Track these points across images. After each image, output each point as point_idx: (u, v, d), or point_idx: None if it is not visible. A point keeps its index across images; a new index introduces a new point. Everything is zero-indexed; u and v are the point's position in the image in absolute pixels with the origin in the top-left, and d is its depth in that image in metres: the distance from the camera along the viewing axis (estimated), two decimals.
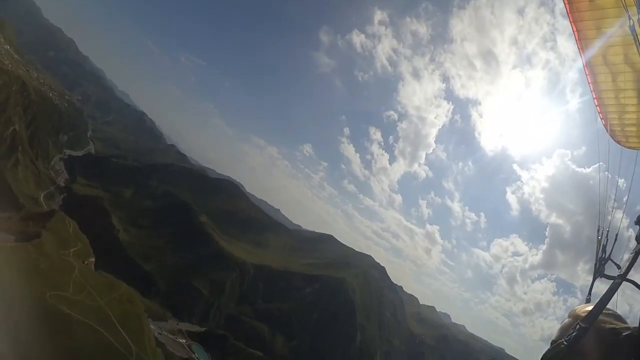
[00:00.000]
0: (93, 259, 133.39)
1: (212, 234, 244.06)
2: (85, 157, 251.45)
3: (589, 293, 5.49)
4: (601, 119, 7.80)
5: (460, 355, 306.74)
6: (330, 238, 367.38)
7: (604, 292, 3.72)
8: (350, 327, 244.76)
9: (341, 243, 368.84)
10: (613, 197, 7.43)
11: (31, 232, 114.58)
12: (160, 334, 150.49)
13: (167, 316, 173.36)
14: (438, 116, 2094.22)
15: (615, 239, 6.21)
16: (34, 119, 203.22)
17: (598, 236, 6.38)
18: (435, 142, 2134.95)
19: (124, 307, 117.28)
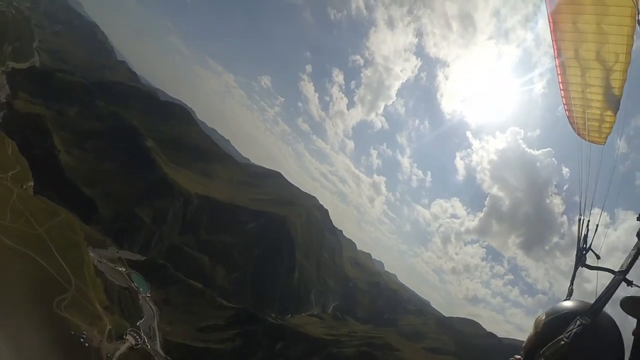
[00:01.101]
0: (32, 184, 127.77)
1: (158, 160, 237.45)
2: (29, 70, 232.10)
3: (571, 283, 5.54)
4: (565, 110, 8.08)
5: (390, 301, 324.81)
6: (278, 175, 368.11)
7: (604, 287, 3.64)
8: (290, 264, 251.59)
9: (288, 181, 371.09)
10: (594, 188, 7.48)
11: None
12: (99, 262, 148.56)
13: (107, 243, 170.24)
14: (404, 70, 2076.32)
15: (596, 230, 6.42)
16: None
17: (579, 227, 6.53)
18: (397, 95, 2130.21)
19: (63, 235, 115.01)
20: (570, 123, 8.41)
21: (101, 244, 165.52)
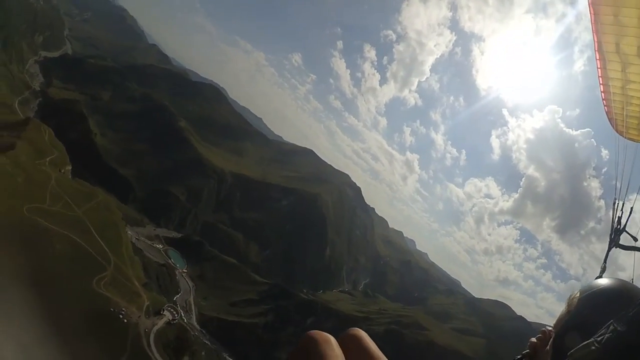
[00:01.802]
0: (70, 167, 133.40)
1: (191, 140, 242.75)
2: (62, 58, 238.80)
3: (604, 261, 5.52)
4: (604, 105, 7.93)
5: (420, 280, 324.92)
6: (310, 152, 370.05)
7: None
8: (321, 241, 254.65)
9: (320, 159, 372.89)
10: (629, 173, 7.51)
11: (6, 143, 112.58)
12: (137, 239, 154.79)
13: (144, 222, 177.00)
14: (438, 45, 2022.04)
15: (630, 212, 6.53)
16: (7, 19, 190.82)
17: (614, 208, 6.63)
18: (431, 71, 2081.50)
19: (102, 216, 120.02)
20: (609, 119, 8.30)
21: (139, 222, 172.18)
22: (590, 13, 6.85)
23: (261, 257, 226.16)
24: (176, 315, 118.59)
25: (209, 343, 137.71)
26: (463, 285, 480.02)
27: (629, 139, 7.95)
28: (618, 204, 6.68)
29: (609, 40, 6.92)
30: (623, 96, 7.41)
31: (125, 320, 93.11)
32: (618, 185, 7.09)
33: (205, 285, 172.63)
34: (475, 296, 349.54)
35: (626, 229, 6.18)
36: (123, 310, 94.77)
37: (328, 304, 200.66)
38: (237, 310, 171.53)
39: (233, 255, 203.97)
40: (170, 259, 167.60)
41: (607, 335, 2.70)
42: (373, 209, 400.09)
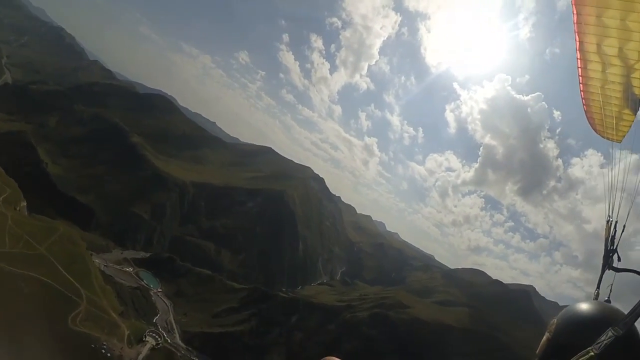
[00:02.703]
0: (25, 203, 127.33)
1: (147, 155, 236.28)
2: (3, 88, 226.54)
3: (598, 287, 5.38)
4: (583, 105, 8.03)
5: (395, 261, 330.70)
6: (269, 150, 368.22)
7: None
8: (293, 237, 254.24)
9: (280, 155, 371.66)
10: (621, 188, 7.48)
11: None
12: (106, 266, 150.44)
13: (110, 247, 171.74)
14: (384, 27, 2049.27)
15: (623, 230, 6.35)
16: None
17: (607, 228, 6.47)
18: (379, 53, 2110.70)
19: (65, 249, 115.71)
20: (587, 118, 8.36)
21: (104, 248, 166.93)
22: (573, 13, 6.94)
23: (235, 264, 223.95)
24: (159, 339, 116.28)
25: (197, 359, 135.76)
26: (437, 259, 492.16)
27: (607, 138, 8.01)
28: (611, 222, 6.39)
29: (590, 40, 7.01)
30: (602, 96, 7.46)
31: (109, 355, 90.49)
32: (611, 203, 6.81)
33: (183, 301, 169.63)
34: (451, 267, 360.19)
35: (617, 249, 5.89)
36: (104, 345, 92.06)
37: (309, 299, 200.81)
38: (220, 321, 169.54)
39: (206, 266, 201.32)
40: (143, 281, 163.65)
41: (605, 341, 2.95)
42: (339, 197, 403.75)
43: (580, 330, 3.16)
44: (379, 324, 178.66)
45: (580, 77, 7.59)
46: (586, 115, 8.22)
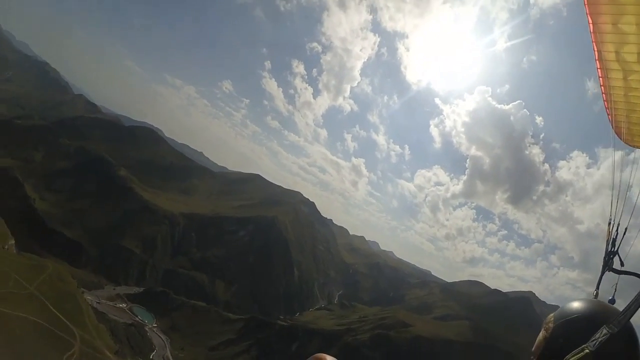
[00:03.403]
0: (13, 241, 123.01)
1: (135, 188, 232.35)
2: None
3: (597, 287, 5.05)
4: (608, 114, 7.58)
5: (392, 279, 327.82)
6: (257, 177, 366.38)
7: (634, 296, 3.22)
8: (287, 263, 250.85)
9: (269, 181, 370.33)
10: (623, 190, 7.01)
11: None
12: (98, 303, 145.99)
13: (102, 283, 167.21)
14: (364, 49, 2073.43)
15: (625, 233, 5.94)
16: None
17: (609, 230, 6.01)
18: (361, 75, 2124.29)
19: (56, 288, 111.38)
20: (613, 128, 7.85)
21: (96, 284, 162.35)
22: (589, 23, 6.67)
23: (230, 294, 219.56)
24: None
25: None
26: (434, 274, 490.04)
27: (634, 146, 7.68)
28: (613, 225, 6.04)
29: (609, 49, 6.76)
30: (627, 104, 7.24)
31: None
32: (614, 205, 6.51)
33: (180, 336, 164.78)
34: (449, 281, 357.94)
35: (618, 252, 5.65)
36: None
37: (308, 325, 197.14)
38: (219, 354, 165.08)
39: (201, 298, 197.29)
40: (137, 317, 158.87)
41: (600, 338, 2.98)
42: (331, 220, 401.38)
43: (577, 328, 3.20)
44: (380, 345, 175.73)
45: (602, 87, 7.27)
46: (611, 125, 7.81)
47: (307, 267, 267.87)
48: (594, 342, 2.95)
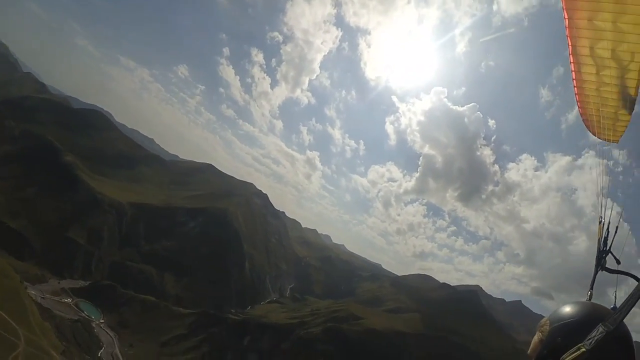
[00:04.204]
0: None
1: (82, 175, 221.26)
2: None
3: (591, 287, 5.09)
4: (579, 107, 8.01)
5: (344, 272, 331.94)
6: (210, 167, 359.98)
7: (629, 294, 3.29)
8: (239, 256, 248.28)
9: (222, 172, 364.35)
10: (606, 188, 7.20)
11: None
12: (43, 298, 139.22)
13: (46, 277, 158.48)
14: (325, 42, 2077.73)
15: (616, 231, 6.00)
16: None
17: (600, 229, 6.09)
18: (320, 68, 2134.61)
19: None
20: (584, 120, 8.31)
21: (40, 278, 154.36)
22: (564, 18, 6.98)
23: (180, 288, 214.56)
24: None
25: None
26: (385, 267, 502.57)
27: (604, 139, 7.95)
28: (604, 223, 6.03)
29: (583, 44, 7.08)
30: (598, 98, 7.56)
31: None
32: (603, 203, 6.52)
33: (128, 332, 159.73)
34: (399, 275, 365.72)
35: (611, 251, 5.65)
36: None
37: (260, 319, 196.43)
38: (169, 350, 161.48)
39: (150, 292, 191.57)
40: (84, 312, 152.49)
41: (596, 337, 3.04)
42: (283, 212, 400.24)
43: (573, 329, 3.26)
44: (333, 338, 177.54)
45: (575, 81, 7.61)
46: (582, 118, 8.28)
47: (259, 260, 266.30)
48: (590, 340, 3.01)
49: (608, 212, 6.21)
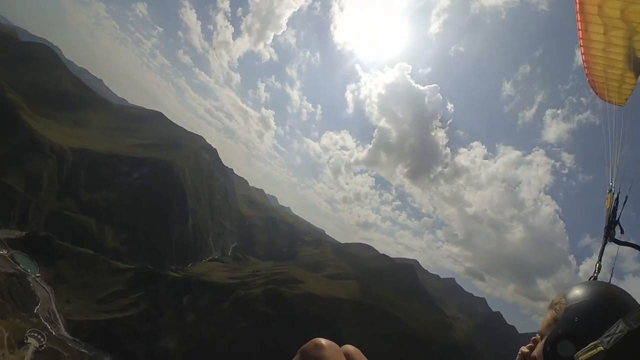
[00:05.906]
0: None
1: (22, 115, 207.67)
2: None
3: (599, 259, 5.08)
4: (585, 68, 7.98)
5: (287, 235, 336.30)
6: (159, 115, 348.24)
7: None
8: (182, 211, 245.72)
9: (171, 121, 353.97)
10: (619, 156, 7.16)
11: None
12: None
13: None
14: None
15: (625, 202, 6.06)
16: None
17: (610, 199, 6.16)
18: (288, 25, 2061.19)
19: None
20: (589, 81, 8.23)
21: None
22: None
23: (119, 241, 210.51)
24: (42, 339, 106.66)
25: (87, 351, 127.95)
26: (328, 234, 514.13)
27: (609, 102, 7.85)
28: (613, 192, 6.21)
29: (592, 2, 6.96)
30: (605, 59, 7.52)
31: None
32: (614, 173, 6.71)
33: (66, 287, 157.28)
34: (341, 242, 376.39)
35: (619, 221, 5.74)
36: None
37: (201, 277, 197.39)
38: (107, 307, 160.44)
39: (88, 245, 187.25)
40: (19, 265, 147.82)
41: (616, 335, 2.60)
42: (232, 169, 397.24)
43: (591, 310, 2.84)
44: (273, 301, 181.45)
45: (582, 40, 7.51)
46: (588, 79, 8.20)
47: (203, 216, 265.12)
48: (609, 338, 2.61)
49: (618, 182, 6.26)
